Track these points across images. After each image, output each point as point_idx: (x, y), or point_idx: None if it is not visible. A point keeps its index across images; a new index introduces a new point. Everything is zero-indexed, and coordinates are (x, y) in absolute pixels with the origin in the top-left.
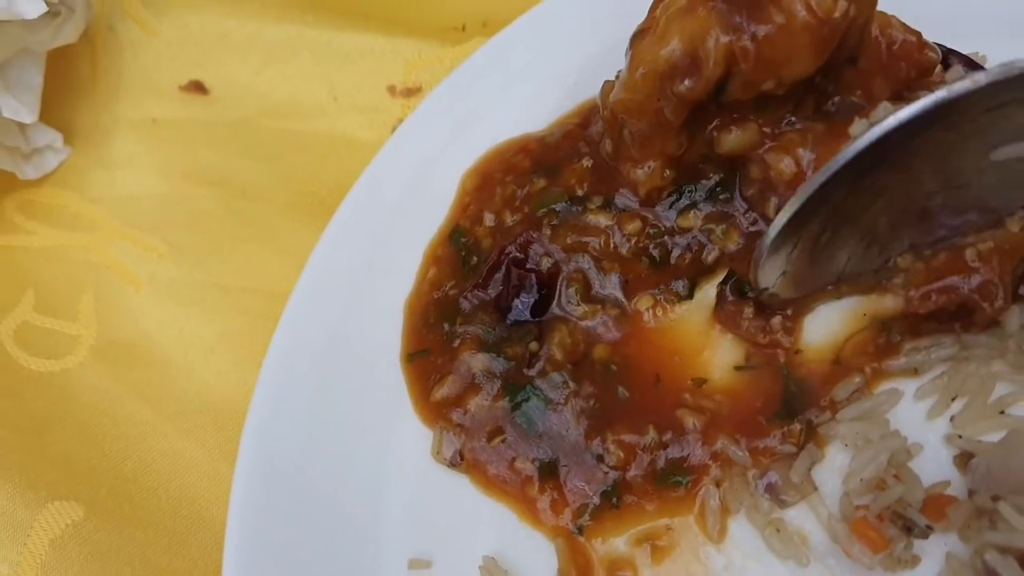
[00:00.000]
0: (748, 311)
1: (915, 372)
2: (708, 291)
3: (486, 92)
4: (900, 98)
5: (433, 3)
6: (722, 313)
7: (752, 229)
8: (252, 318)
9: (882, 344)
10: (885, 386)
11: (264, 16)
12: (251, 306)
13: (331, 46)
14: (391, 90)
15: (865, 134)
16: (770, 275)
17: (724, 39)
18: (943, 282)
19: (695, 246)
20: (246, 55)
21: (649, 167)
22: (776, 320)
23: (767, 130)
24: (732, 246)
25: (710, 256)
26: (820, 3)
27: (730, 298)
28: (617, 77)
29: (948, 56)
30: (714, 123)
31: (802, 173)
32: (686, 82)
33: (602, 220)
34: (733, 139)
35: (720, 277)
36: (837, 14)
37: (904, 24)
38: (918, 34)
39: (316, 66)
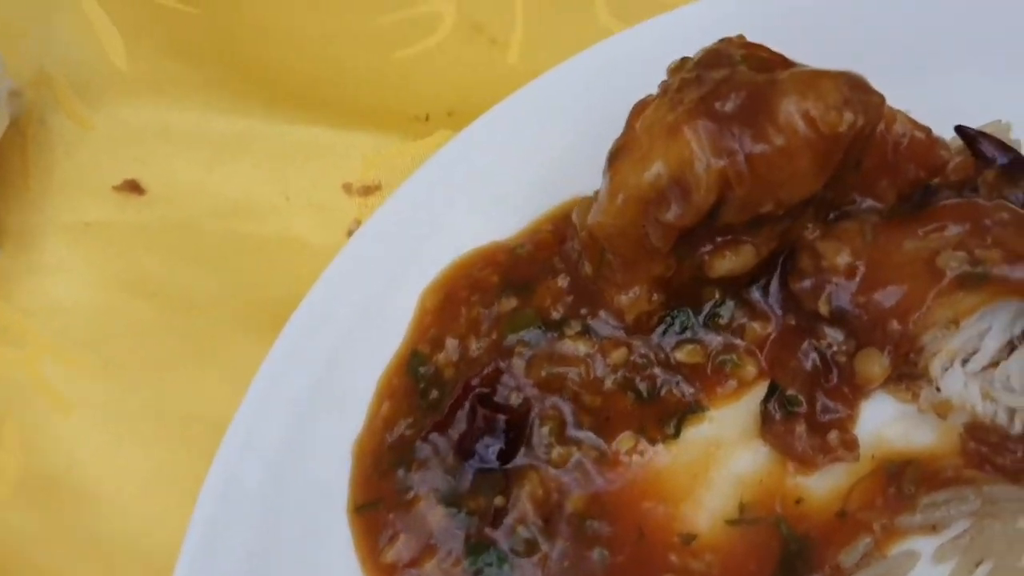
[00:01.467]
0: (800, 429)
1: (933, 529)
2: (701, 429)
3: (450, 194)
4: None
5: (393, 91)
6: (771, 435)
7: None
8: (194, 451)
9: (892, 496)
10: (898, 547)
11: (209, 108)
12: (193, 437)
13: (283, 140)
14: (347, 188)
15: None
16: None
17: (716, 164)
18: None
19: (709, 381)
20: (190, 151)
21: (635, 293)
22: (833, 436)
23: (766, 249)
24: (752, 369)
25: (726, 390)
26: (824, 118)
27: (778, 416)
28: (595, 196)
29: (976, 140)
30: (705, 247)
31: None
32: (673, 209)
33: (581, 348)
34: (727, 264)
35: (752, 392)
36: (843, 128)
37: (912, 120)
38: (927, 130)
39: (267, 162)
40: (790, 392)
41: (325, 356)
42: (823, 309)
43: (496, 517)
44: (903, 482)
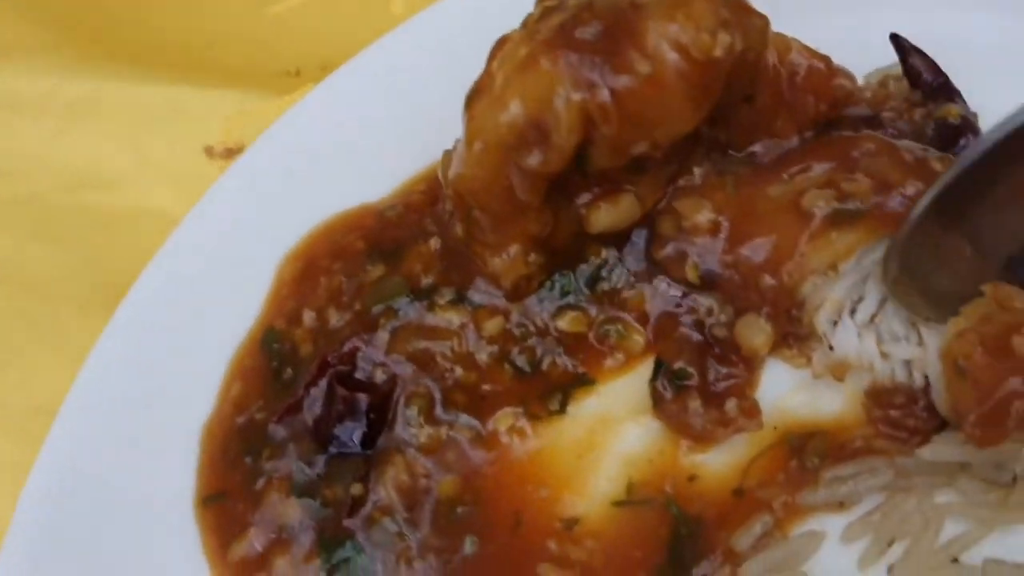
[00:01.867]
0: (694, 404)
1: (840, 506)
2: (587, 404)
3: (311, 152)
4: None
5: (262, 46)
6: (664, 414)
7: (665, 308)
8: (36, 445)
9: (794, 470)
10: (802, 527)
11: (59, 71)
12: (35, 430)
13: (137, 102)
14: (208, 152)
15: None
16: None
17: (576, 97)
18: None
19: (594, 353)
20: (38, 119)
21: (509, 253)
22: (731, 405)
23: (651, 198)
24: (639, 340)
25: (614, 362)
26: (695, 41)
27: (669, 393)
28: (455, 146)
29: (910, 53)
30: (583, 198)
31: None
32: (535, 155)
33: (454, 319)
34: (605, 217)
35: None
36: (719, 52)
37: (808, 48)
38: (826, 59)
39: (119, 127)
40: (678, 366)
41: (168, 334)
42: (691, 275)
43: (353, 507)
44: (805, 455)
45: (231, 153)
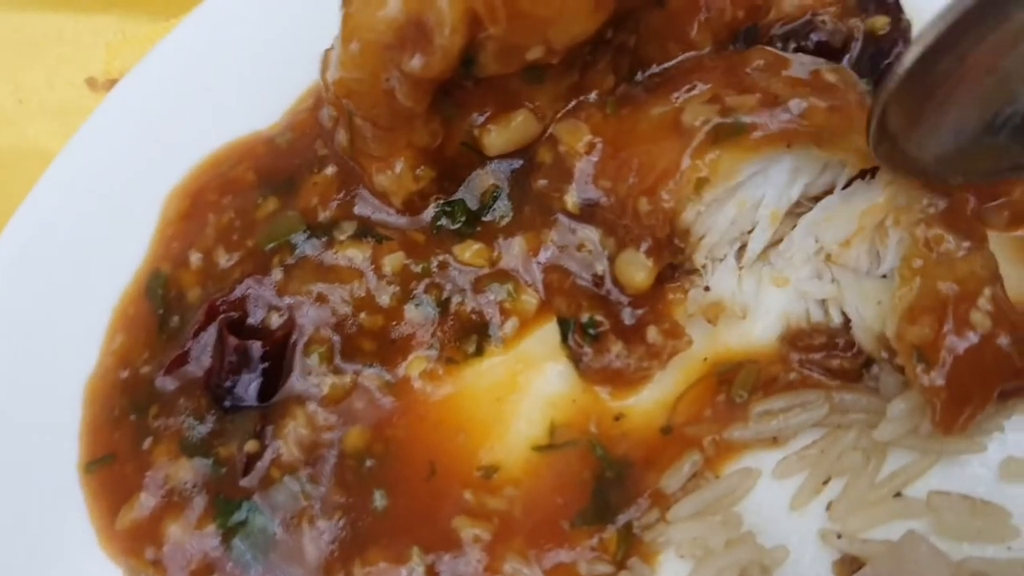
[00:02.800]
0: (616, 348)
1: (774, 442)
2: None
3: (196, 75)
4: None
5: None
6: (591, 373)
7: (551, 260)
8: None
9: (721, 405)
10: (735, 465)
11: None
12: None
13: (13, 34)
14: (91, 83)
15: None
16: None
17: None
18: None
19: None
20: None
21: (396, 169)
22: (653, 333)
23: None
24: (532, 299)
25: (508, 329)
26: None
27: (585, 350)
28: (334, 44)
29: None
30: (476, 119)
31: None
32: (417, 57)
33: (355, 256)
34: (497, 139)
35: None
36: None
37: None
38: None
39: None
40: (584, 318)
41: (45, 283)
42: (570, 204)
43: (249, 465)
44: (734, 388)
45: (115, 84)
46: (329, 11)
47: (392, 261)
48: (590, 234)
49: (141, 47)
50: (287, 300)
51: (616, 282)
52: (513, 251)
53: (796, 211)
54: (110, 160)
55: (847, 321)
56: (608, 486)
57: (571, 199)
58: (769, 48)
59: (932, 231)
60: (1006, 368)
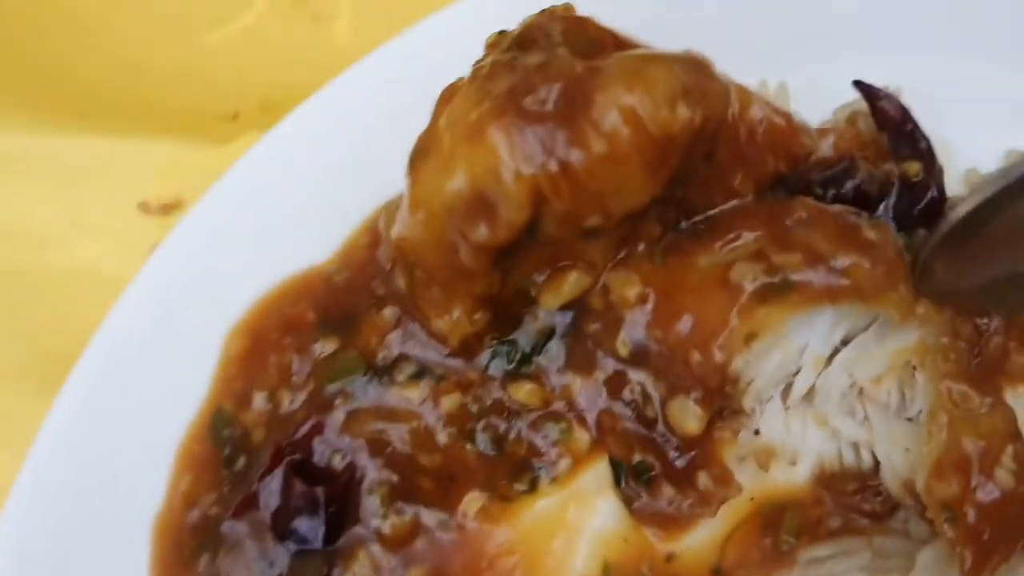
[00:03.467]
0: (669, 492)
1: None
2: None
3: (256, 210)
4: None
5: (196, 86)
6: (643, 517)
7: (606, 405)
8: None
9: (768, 548)
10: None
11: None
12: None
13: (63, 155)
14: (144, 207)
15: None
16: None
17: (526, 172)
18: None
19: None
20: None
21: (453, 315)
22: (703, 479)
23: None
24: (585, 437)
25: (561, 468)
26: (654, 116)
27: (640, 493)
28: (400, 201)
29: (878, 97)
30: (535, 277)
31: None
32: (482, 228)
33: (413, 396)
34: (556, 300)
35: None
36: (677, 127)
37: (770, 103)
38: (787, 115)
39: (47, 184)
40: (636, 461)
41: (111, 418)
42: (622, 350)
43: None
44: (780, 533)
45: (168, 209)
46: (388, 149)
47: (450, 401)
48: (642, 378)
49: (192, 172)
50: (349, 441)
51: (668, 426)
52: (569, 390)
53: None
54: (174, 295)
55: (877, 464)
56: None
57: (623, 345)
58: (810, 200)
59: (958, 387)
60: None
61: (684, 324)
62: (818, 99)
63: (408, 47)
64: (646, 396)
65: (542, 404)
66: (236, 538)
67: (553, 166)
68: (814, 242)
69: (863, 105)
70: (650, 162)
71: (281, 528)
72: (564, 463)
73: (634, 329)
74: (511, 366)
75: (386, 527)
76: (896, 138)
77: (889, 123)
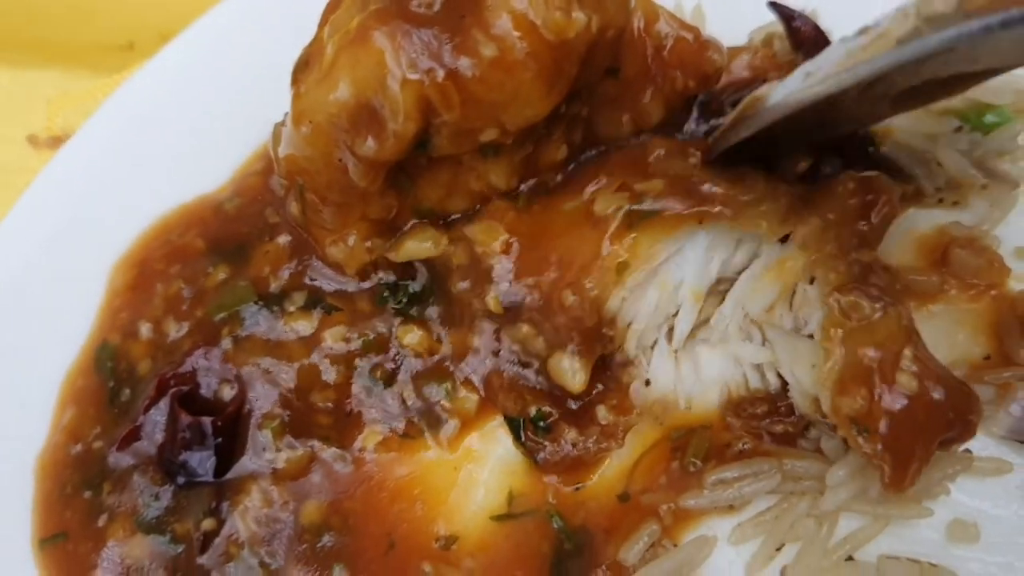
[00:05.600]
0: (570, 435)
1: (730, 509)
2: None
3: (139, 138)
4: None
5: (89, 17)
6: (549, 467)
7: (491, 350)
8: None
9: (675, 472)
10: (692, 533)
11: None
12: None
13: None
14: (32, 141)
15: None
16: None
17: (413, 78)
18: None
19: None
20: None
21: (349, 242)
22: (602, 411)
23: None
24: (473, 398)
25: (449, 430)
26: (547, 20)
27: (545, 446)
28: (285, 119)
29: (791, 19)
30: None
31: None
32: (369, 141)
33: (303, 328)
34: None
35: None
36: (572, 32)
37: (677, 18)
38: (696, 31)
39: None
40: (533, 412)
41: None
42: (494, 306)
43: (206, 542)
44: (686, 455)
45: (58, 142)
46: (281, 73)
47: (333, 334)
48: (520, 335)
49: (83, 104)
50: (236, 371)
51: (552, 384)
52: (456, 343)
53: (719, 289)
54: (55, 227)
55: (785, 386)
56: (567, 558)
57: (494, 300)
58: (667, 138)
59: (847, 298)
60: (940, 420)
61: (554, 265)
62: (735, 21)
63: None
64: (528, 355)
65: (427, 353)
66: (121, 471)
67: (441, 73)
68: (674, 170)
69: (779, 27)
70: (545, 69)
71: (169, 463)
72: (452, 425)
73: (504, 280)
74: (399, 305)
75: (280, 461)
76: (811, 52)
77: (804, 42)
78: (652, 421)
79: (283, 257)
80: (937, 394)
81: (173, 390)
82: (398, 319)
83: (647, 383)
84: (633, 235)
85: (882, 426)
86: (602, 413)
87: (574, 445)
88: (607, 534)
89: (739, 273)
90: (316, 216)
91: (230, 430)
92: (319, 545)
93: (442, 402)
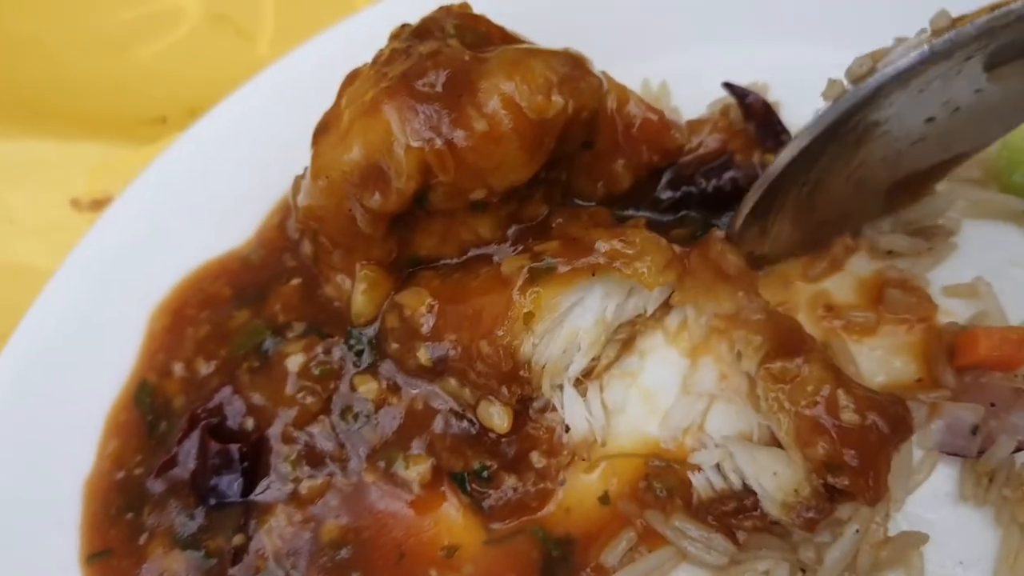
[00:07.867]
0: (508, 482)
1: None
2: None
3: (175, 201)
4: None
5: (127, 94)
6: (496, 517)
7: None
8: None
9: (643, 491)
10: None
11: None
12: None
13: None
14: (75, 204)
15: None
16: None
17: (415, 145)
18: None
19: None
20: None
21: (345, 285)
22: (535, 457)
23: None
24: (426, 465)
25: (416, 487)
26: (531, 103)
27: (490, 494)
28: (304, 173)
29: (746, 95)
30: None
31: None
32: (376, 196)
33: (298, 356)
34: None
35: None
36: (551, 113)
37: (645, 102)
38: (660, 113)
39: None
40: (474, 466)
41: (45, 394)
42: (423, 359)
43: (236, 556)
44: (652, 481)
45: (98, 205)
46: (295, 139)
47: (295, 360)
48: (450, 389)
49: (122, 171)
50: (257, 400)
51: (483, 429)
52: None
53: (617, 337)
54: (100, 280)
55: (746, 485)
56: (555, 563)
57: (423, 355)
58: (567, 208)
59: (775, 365)
60: (886, 434)
61: (471, 320)
62: (695, 94)
63: (316, 50)
64: (461, 406)
65: (376, 404)
66: (159, 495)
67: (439, 142)
68: (568, 231)
69: (733, 100)
70: (527, 143)
71: (201, 487)
72: (416, 485)
73: (431, 338)
74: (358, 358)
75: (300, 487)
76: (761, 129)
77: (755, 115)
78: (580, 461)
79: (294, 295)
80: (877, 418)
81: (203, 423)
82: (360, 369)
83: (567, 429)
84: (537, 289)
85: (848, 459)
86: (535, 458)
87: (515, 490)
88: (590, 539)
89: (635, 322)
90: (327, 257)
91: (253, 455)
92: (338, 557)
93: (400, 473)
